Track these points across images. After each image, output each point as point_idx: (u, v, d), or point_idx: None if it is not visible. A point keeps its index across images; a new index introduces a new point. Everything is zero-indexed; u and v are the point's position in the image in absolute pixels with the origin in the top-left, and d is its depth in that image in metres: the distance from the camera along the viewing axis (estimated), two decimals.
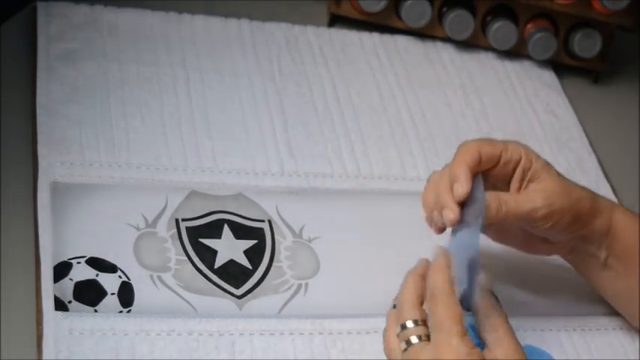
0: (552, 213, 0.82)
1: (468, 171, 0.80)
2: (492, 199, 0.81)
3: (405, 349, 0.74)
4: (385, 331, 0.77)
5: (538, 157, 0.84)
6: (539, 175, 0.83)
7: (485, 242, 0.94)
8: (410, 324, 0.74)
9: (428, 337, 0.73)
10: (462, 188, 0.80)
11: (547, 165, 0.84)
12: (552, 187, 0.83)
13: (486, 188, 0.82)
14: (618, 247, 0.86)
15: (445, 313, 0.73)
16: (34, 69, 0.95)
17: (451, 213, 0.80)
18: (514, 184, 0.84)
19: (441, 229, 0.82)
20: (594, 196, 0.86)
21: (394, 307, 0.77)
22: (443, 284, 0.74)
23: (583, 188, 0.86)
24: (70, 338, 0.76)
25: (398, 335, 0.75)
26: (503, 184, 0.84)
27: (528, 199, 0.82)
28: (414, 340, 0.74)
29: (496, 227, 0.86)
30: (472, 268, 0.76)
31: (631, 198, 1.04)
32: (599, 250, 0.87)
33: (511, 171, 0.84)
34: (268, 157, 0.95)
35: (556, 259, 0.94)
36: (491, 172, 0.83)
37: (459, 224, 0.80)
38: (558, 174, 0.85)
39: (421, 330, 0.74)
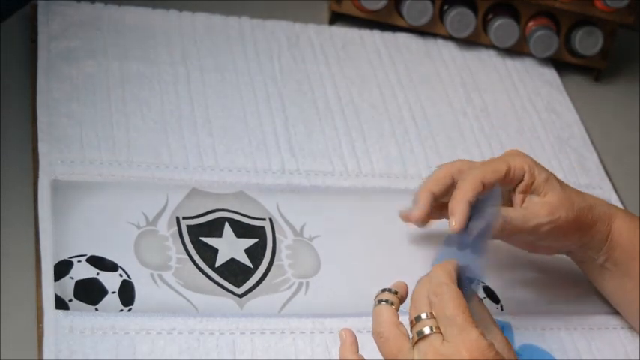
0: (557, 227, 0.84)
1: (466, 207, 0.81)
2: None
3: (418, 341, 0.72)
4: (381, 332, 0.75)
5: (541, 170, 0.85)
6: (543, 189, 0.85)
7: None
8: (425, 315, 0.73)
9: (439, 329, 0.73)
10: (456, 225, 0.81)
11: (550, 178, 0.85)
12: (556, 201, 0.84)
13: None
14: (616, 253, 0.87)
15: (455, 307, 0.72)
16: (35, 67, 0.95)
17: (456, 225, 0.81)
18: (517, 197, 0.85)
19: (417, 219, 0.85)
20: (594, 204, 0.86)
21: (379, 302, 0.76)
22: (447, 279, 0.74)
23: (583, 196, 0.86)
24: (70, 337, 0.76)
25: (412, 327, 0.73)
26: (507, 193, 0.86)
27: (533, 214, 0.84)
28: (427, 330, 0.72)
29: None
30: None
31: (631, 196, 1.04)
32: (597, 254, 0.88)
33: (514, 185, 0.85)
34: (269, 155, 0.95)
35: (556, 258, 0.94)
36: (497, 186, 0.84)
37: (458, 233, 0.80)
38: (561, 185, 0.85)
39: (434, 322, 0.73)
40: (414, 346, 0.73)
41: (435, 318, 0.73)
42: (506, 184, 0.85)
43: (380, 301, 0.76)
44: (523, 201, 0.85)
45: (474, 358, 0.70)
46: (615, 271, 0.88)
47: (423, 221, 0.87)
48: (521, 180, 0.85)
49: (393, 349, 0.74)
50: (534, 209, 0.84)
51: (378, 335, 0.75)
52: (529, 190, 0.85)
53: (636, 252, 0.86)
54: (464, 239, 0.81)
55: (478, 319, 0.74)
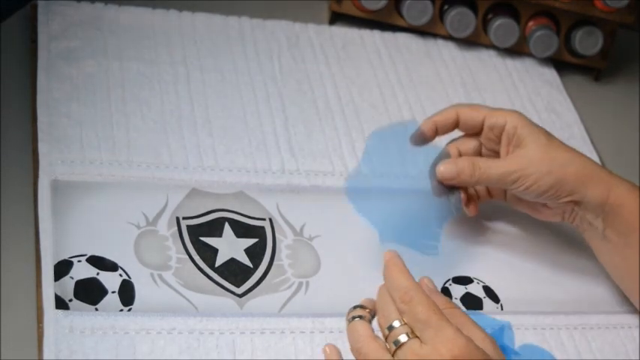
0: (524, 176, 0.86)
1: (431, 122, 0.90)
2: (467, 163, 0.87)
3: (397, 350, 0.73)
4: (359, 348, 0.75)
5: (526, 123, 0.88)
6: (524, 140, 0.87)
7: (487, 243, 0.94)
8: (397, 323, 0.74)
9: (414, 334, 0.73)
10: (421, 127, 0.90)
11: (536, 131, 0.88)
12: (530, 153, 0.86)
13: (479, 154, 0.91)
14: (618, 221, 0.87)
15: (426, 309, 0.73)
16: (35, 67, 0.95)
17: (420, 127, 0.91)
18: (502, 149, 0.89)
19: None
20: (591, 166, 0.87)
21: (353, 319, 0.77)
22: (408, 282, 0.75)
23: (578, 156, 0.87)
24: (70, 337, 0.76)
25: (386, 338, 0.74)
26: (496, 150, 0.90)
27: (503, 164, 0.87)
28: (403, 338, 0.73)
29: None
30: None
31: None
32: (595, 220, 0.88)
33: (499, 136, 0.89)
34: (269, 155, 0.95)
35: (556, 258, 0.94)
36: (480, 136, 0.90)
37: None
38: (548, 140, 0.87)
39: (408, 328, 0.73)
40: (393, 355, 0.73)
41: (407, 325, 0.73)
42: (487, 130, 0.89)
43: (353, 318, 0.77)
44: (507, 154, 0.89)
45: (454, 356, 0.70)
46: (618, 243, 0.87)
47: (418, 140, 0.91)
48: (504, 129, 0.88)
49: None
50: (507, 160, 0.87)
51: (357, 352, 0.75)
52: (512, 142, 0.88)
53: (638, 223, 0.86)
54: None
55: (452, 319, 0.74)
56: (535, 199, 0.88)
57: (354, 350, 0.75)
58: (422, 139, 0.91)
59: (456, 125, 0.90)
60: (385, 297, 0.76)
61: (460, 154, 0.91)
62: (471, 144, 0.91)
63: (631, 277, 0.89)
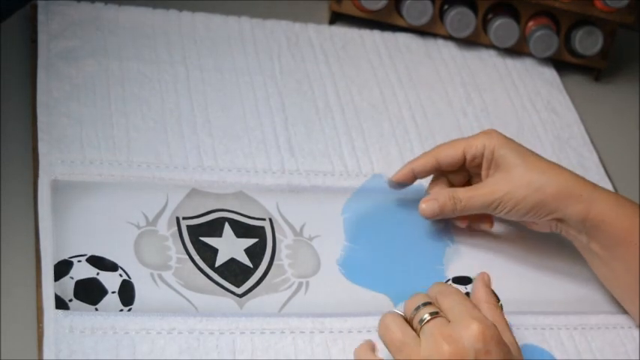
0: (504, 201, 0.88)
1: (407, 171, 0.92)
2: (447, 198, 0.90)
3: (422, 326, 0.76)
4: (385, 331, 0.78)
5: (503, 144, 0.89)
6: (501, 164, 0.89)
7: (487, 243, 0.94)
8: (423, 305, 0.77)
9: (440, 315, 0.76)
10: (392, 177, 0.93)
11: (512, 152, 0.89)
12: (509, 178, 0.88)
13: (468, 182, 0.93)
14: (601, 236, 0.87)
15: (458, 296, 0.78)
16: (35, 67, 0.95)
17: (392, 176, 0.94)
18: (483, 172, 0.91)
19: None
20: (570, 183, 0.88)
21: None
22: (444, 287, 0.80)
23: (555, 174, 0.88)
24: (70, 337, 0.76)
25: (412, 321, 0.77)
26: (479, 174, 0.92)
27: (482, 192, 0.89)
28: (426, 316, 0.76)
29: None
30: None
31: (631, 196, 1.04)
32: (579, 235, 0.89)
33: (480, 163, 0.90)
34: (269, 155, 0.95)
35: (557, 259, 0.94)
36: (466, 166, 0.91)
37: None
38: (524, 161, 0.88)
39: (434, 307, 0.77)
40: (419, 333, 0.76)
41: (433, 305, 0.77)
42: (471, 161, 0.90)
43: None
44: (487, 176, 0.91)
45: (483, 334, 0.73)
46: (604, 256, 0.88)
47: (396, 185, 0.94)
48: (482, 157, 0.90)
49: (398, 336, 0.77)
50: (486, 186, 0.89)
51: (384, 328, 0.78)
52: (490, 166, 0.90)
53: (625, 237, 0.86)
54: None
55: (488, 314, 0.80)
56: (519, 219, 0.90)
57: (385, 335, 0.78)
58: (400, 185, 0.93)
59: (436, 169, 0.92)
60: (414, 299, 0.80)
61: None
62: (458, 175, 0.93)
63: (619, 287, 0.90)
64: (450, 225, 0.94)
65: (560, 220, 0.88)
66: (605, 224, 0.87)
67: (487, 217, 0.94)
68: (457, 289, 0.80)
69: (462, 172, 0.93)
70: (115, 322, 0.78)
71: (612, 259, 0.88)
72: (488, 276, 0.87)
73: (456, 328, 0.75)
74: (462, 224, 0.93)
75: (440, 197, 0.90)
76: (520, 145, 0.90)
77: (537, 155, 0.90)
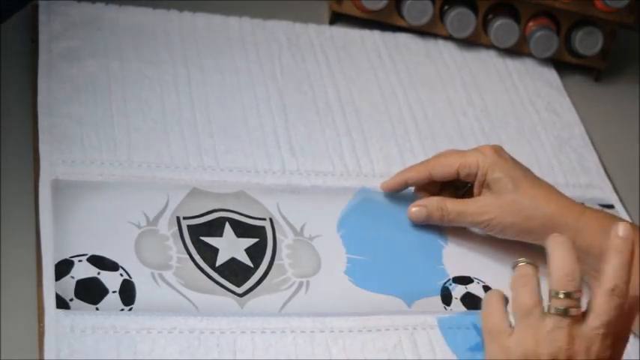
0: (492, 224, 0.90)
1: (399, 180, 0.93)
2: (436, 207, 0.91)
3: (561, 315, 0.75)
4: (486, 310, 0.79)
5: (496, 165, 0.90)
6: (494, 186, 0.90)
7: (486, 243, 0.94)
8: (572, 294, 0.76)
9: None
10: (381, 185, 0.94)
11: (504, 175, 0.90)
12: (498, 203, 0.90)
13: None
14: (592, 260, 0.87)
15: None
16: (35, 67, 0.95)
17: (381, 185, 0.95)
18: (475, 188, 0.92)
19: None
20: (557, 210, 0.89)
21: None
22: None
23: (545, 202, 0.89)
24: (71, 336, 0.76)
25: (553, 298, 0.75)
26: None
27: (472, 210, 0.91)
28: (573, 312, 0.75)
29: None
30: None
31: (631, 196, 1.04)
32: None
33: (474, 179, 0.91)
34: (269, 155, 0.95)
35: None
36: (458, 179, 0.92)
37: None
38: (515, 186, 0.89)
39: (579, 310, 0.76)
40: (549, 312, 0.75)
41: (579, 304, 0.75)
42: (464, 177, 0.91)
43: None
44: (479, 193, 0.92)
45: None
46: (598, 277, 0.87)
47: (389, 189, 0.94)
48: (476, 175, 0.91)
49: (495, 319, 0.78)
50: (476, 204, 0.91)
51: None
52: (482, 185, 0.91)
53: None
54: None
55: None
56: (508, 238, 0.92)
57: (497, 305, 0.80)
58: (391, 190, 0.94)
59: (428, 180, 0.93)
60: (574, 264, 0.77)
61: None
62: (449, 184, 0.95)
63: None
64: (443, 227, 0.94)
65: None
66: (593, 248, 0.87)
67: None
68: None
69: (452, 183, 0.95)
70: (116, 322, 0.78)
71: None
72: None
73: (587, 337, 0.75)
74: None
75: (429, 206, 0.92)
76: (514, 166, 0.91)
77: (530, 177, 0.91)
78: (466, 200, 0.92)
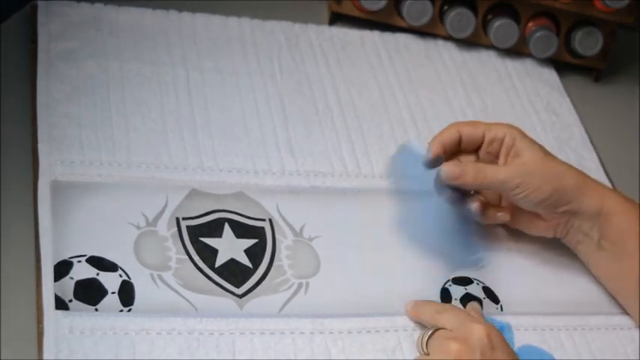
0: (525, 183, 0.88)
1: (438, 145, 0.91)
2: (472, 166, 0.90)
3: (429, 339, 0.81)
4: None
5: (524, 136, 0.91)
6: (522, 151, 0.90)
7: (486, 243, 0.94)
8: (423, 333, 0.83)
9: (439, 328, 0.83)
10: (431, 152, 0.90)
11: (532, 144, 0.91)
12: (529, 161, 0.90)
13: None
14: (611, 231, 0.89)
15: (456, 311, 0.84)
16: (35, 68, 0.95)
17: (431, 152, 0.91)
18: (501, 159, 0.91)
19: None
20: (584, 177, 0.90)
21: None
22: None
23: (571, 168, 0.91)
24: (70, 337, 0.76)
25: (420, 345, 0.82)
26: (493, 161, 0.92)
27: (505, 170, 0.90)
28: (429, 332, 0.82)
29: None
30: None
31: (631, 196, 1.03)
32: (592, 230, 0.90)
33: (498, 149, 0.91)
34: (269, 155, 0.95)
35: (557, 259, 0.94)
36: (480, 149, 0.92)
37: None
38: (544, 153, 0.91)
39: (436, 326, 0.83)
40: (426, 347, 0.81)
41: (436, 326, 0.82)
42: (488, 144, 0.91)
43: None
44: (505, 163, 0.91)
45: (487, 334, 0.78)
46: (612, 251, 0.89)
47: (433, 163, 0.91)
48: (503, 141, 0.91)
49: None
50: (508, 167, 0.90)
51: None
52: (510, 153, 0.91)
53: (632, 231, 0.88)
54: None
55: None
56: (533, 207, 0.90)
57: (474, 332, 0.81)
58: (436, 161, 0.91)
59: (459, 143, 0.92)
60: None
61: None
62: (470, 159, 0.93)
63: (627, 285, 0.90)
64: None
65: (573, 213, 0.89)
66: (614, 217, 0.89)
67: (504, 208, 0.94)
68: (450, 305, 0.86)
69: (471, 158, 0.93)
70: (115, 323, 0.78)
71: (622, 254, 0.89)
72: (477, 304, 0.89)
73: (460, 331, 0.79)
74: (489, 219, 0.93)
75: (463, 163, 0.91)
76: (538, 142, 0.92)
77: (552, 154, 0.92)
78: (499, 166, 0.92)
